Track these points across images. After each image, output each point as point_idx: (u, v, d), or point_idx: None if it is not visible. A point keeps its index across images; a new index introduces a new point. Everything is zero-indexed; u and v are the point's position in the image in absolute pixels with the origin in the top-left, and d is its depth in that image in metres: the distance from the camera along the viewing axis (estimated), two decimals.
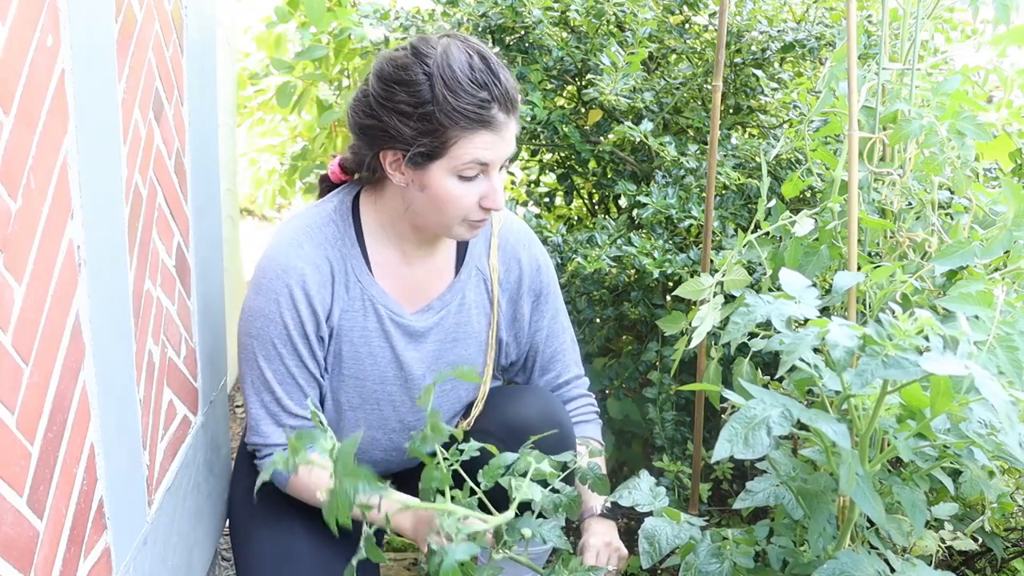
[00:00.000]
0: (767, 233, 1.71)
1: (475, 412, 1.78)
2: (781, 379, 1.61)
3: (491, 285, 1.75)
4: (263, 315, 1.61)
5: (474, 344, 1.76)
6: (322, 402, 1.72)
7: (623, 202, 2.49)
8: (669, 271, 2.06)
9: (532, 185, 2.67)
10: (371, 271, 1.66)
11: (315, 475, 1.63)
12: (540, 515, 1.50)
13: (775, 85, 2.34)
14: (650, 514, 1.48)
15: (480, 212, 1.56)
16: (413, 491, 1.84)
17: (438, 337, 1.72)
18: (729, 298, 1.74)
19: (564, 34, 2.33)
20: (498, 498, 1.42)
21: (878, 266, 1.53)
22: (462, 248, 1.74)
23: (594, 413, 1.89)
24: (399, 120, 1.51)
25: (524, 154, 2.58)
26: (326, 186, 1.76)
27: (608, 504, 1.75)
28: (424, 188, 1.55)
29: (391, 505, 1.24)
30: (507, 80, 1.52)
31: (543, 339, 1.82)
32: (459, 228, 1.59)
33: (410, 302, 1.70)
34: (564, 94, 2.51)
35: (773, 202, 1.77)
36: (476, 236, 1.64)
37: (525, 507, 1.50)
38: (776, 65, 2.38)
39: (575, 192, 2.54)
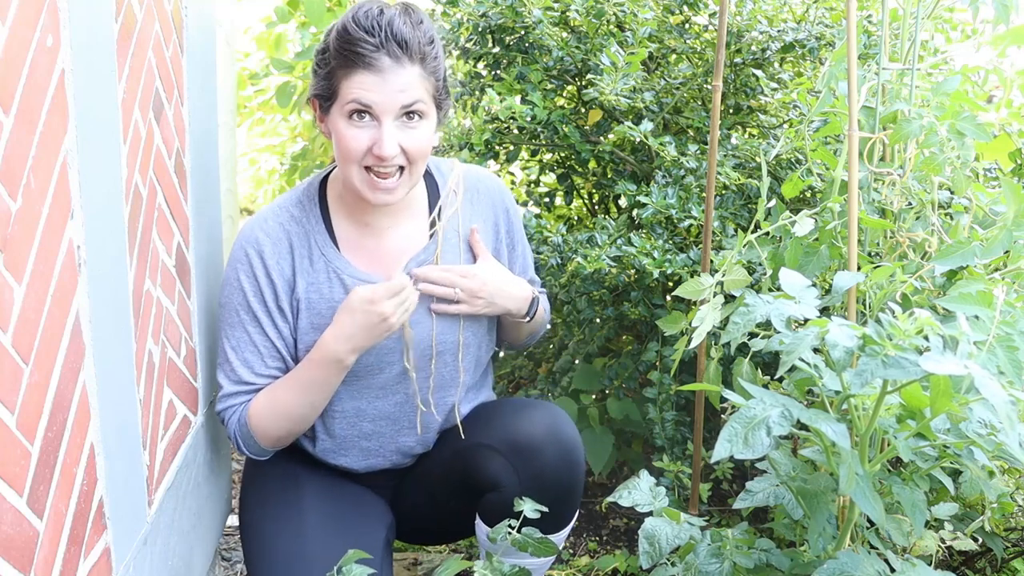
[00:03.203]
0: (767, 233, 1.71)
1: (463, 378, 1.79)
2: (781, 379, 1.61)
3: (472, 245, 1.78)
4: (228, 283, 1.69)
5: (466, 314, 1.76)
6: None
7: (623, 202, 2.49)
8: (669, 271, 2.06)
9: (532, 185, 2.67)
10: (337, 245, 1.70)
11: (261, 403, 1.68)
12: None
13: (775, 85, 2.33)
14: (650, 514, 1.48)
15: (372, 159, 1.58)
16: (408, 488, 1.85)
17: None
18: (729, 298, 1.74)
19: (564, 34, 2.33)
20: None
21: (878, 266, 1.53)
22: (435, 212, 1.76)
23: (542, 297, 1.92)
24: (312, 70, 1.65)
25: (524, 154, 2.58)
26: None
27: (540, 293, 1.86)
28: (331, 134, 1.64)
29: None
30: (402, 30, 1.55)
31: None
32: (359, 180, 1.60)
33: (383, 271, 1.72)
34: (564, 94, 2.51)
35: (773, 202, 1.77)
36: (385, 198, 1.61)
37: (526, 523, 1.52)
38: (776, 65, 2.38)
39: (575, 192, 2.54)
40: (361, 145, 1.57)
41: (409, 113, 1.57)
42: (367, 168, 1.59)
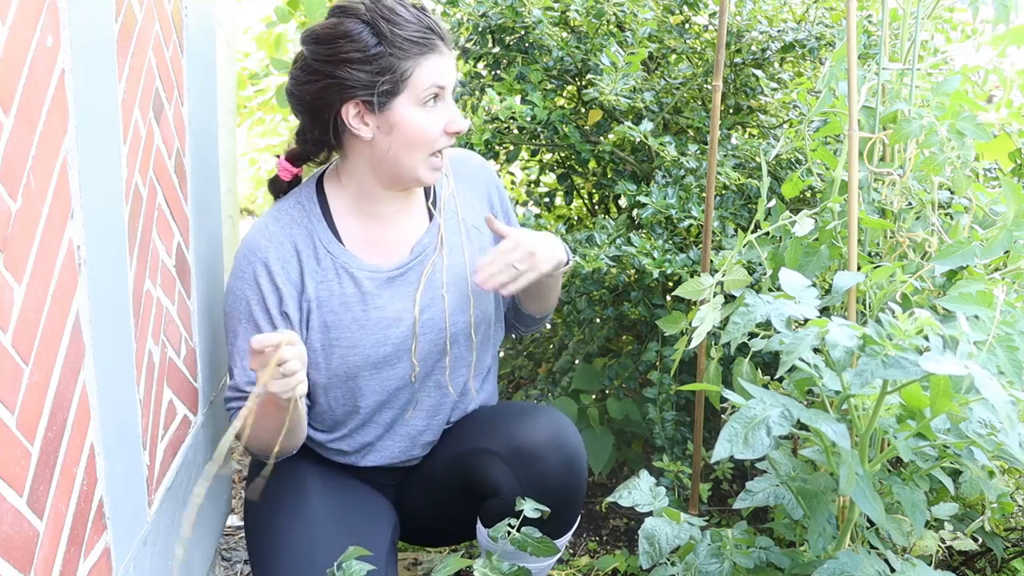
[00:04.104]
0: (767, 233, 1.71)
1: (476, 355, 1.80)
2: (781, 379, 1.61)
3: (495, 230, 1.78)
4: (232, 292, 1.70)
5: (469, 287, 1.77)
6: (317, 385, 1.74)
7: (623, 202, 2.48)
8: (669, 271, 2.06)
9: (532, 185, 2.67)
10: (341, 241, 1.72)
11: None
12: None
13: (775, 85, 2.33)
14: (650, 514, 1.48)
15: (446, 139, 1.66)
16: (410, 489, 1.85)
17: (419, 279, 1.73)
18: (729, 298, 1.74)
19: (564, 34, 2.33)
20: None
21: (878, 266, 1.53)
22: (431, 197, 1.79)
23: None
24: (351, 69, 1.59)
25: (524, 154, 2.58)
26: (277, 188, 1.81)
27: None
28: (392, 128, 1.63)
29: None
30: (436, 19, 1.64)
31: None
32: (424, 167, 1.66)
33: (390, 259, 1.74)
34: (564, 94, 2.51)
35: (773, 202, 1.77)
36: (438, 176, 1.70)
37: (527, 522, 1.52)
38: (776, 65, 2.38)
39: (575, 192, 2.54)
40: (437, 128, 1.64)
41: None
42: (431, 153, 1.65)
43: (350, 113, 1.62)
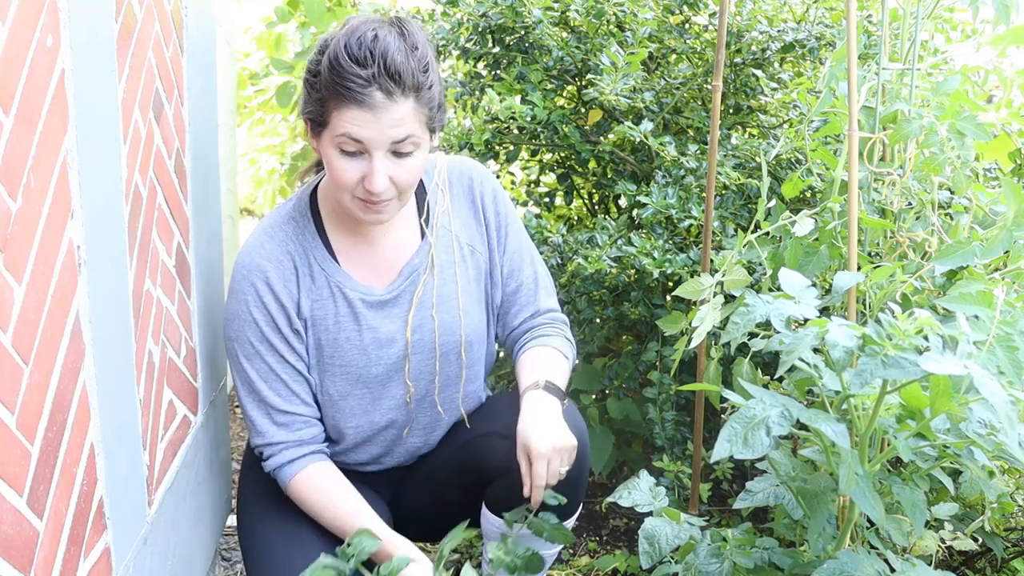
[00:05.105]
0: (767, 233, 1.71)
1: (465, 372, 1.77)
2: (781, 379, 1.61)
3: (462, 243, 1.75)
4: (237, 316, 1.66)
5: (467, 302, 1.75)
6: (314, 398, 1.73)
7: (623, 202, 2.49)
8: (669, 271, 2.06)
9: (532, 185, 2.67)
10: (336, 259, 1.69)
11: (310, 494, 1.67)
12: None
13: (775, 85, 2.33)
14: (650, 514, 1.48)
15: (363, 191, 1.55)
16: (410, 484, 1.86)
17: (411, 301, 1.71)
18: (729, 298, 1.74)
19: (564, 34, 2.33)
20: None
21: (878, 266, 1.53)
22: (424, 212, 1.74)
23: (560, 326, 1.82)
24: (303, 86, 1.61)
25: (524, 154, 2.58)
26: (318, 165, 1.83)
27: (548, 382, 1.66)
28: (323, 157, 1.61)
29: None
30: (397, 63, 1.49)
31: (505, 275, 1.81)
32: (352, 205, 1.59)
33: (382, 279, 1.71)
34: (564, 94, 2.51)
35: (773, 202, 1.77)
36: (377, 219, 1.61)
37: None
38: (776, 65, 2.38)
39: (575, 192, 2.54)
40: (352, 178, 1.54)
41: (401, 146, 1.54)
42: (354, 196, 1.58)
43: (308, 128, 1.62)
